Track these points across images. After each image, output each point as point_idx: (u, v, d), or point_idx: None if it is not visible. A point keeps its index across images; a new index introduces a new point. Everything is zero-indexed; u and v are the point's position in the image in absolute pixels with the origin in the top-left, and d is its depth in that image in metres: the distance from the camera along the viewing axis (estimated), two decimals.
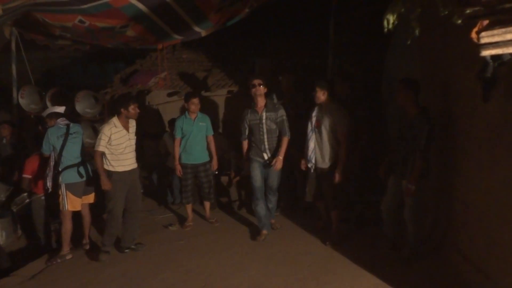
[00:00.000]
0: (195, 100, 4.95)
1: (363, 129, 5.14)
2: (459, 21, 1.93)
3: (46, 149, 4.45)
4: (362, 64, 6.30)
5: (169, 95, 7.14)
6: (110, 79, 8.52)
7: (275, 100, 4.99)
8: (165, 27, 5.18)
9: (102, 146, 4.16)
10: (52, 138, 4.40)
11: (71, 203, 4.40)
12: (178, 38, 5.86)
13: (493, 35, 1.43)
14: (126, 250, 4.46)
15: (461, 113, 3.58)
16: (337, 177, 4.20)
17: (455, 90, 3.69)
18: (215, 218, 5.32)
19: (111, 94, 7.36)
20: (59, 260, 4.38)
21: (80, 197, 4.46)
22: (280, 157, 4.36)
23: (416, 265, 3.77)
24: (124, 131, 4.27)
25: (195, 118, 5.01)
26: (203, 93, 7.00)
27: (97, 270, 4.13)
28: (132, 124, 4.39)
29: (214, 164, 5.21)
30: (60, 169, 4.39)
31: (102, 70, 11.07)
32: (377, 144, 5.78)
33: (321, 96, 4.23)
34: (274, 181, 4.51)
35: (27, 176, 4.92)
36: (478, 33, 1.49)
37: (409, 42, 2.63)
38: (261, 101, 4.43)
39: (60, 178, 4.39)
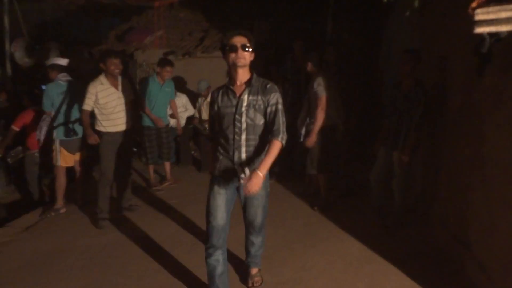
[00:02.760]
0: (169, 69, 5.09)
1: (359, 97, 5.16)
2: None
3: (47, 105, 4.40)
4: (361, 32, 6.23)
5: (165, 54, 7.05)
6: (104, 34, 8.37)
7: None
8: None
9: (87, 104, 4.05)
10: (52, 95, 4.36)
11: (64, 158, 4.44)
12: None
13: (487, 13, 1.43)
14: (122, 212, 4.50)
15: (455, 87, 3.60)
16: (307, 141, 4.25)
17: (451, 63, 3.69)
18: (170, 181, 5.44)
19: (105, 49, 7.25)
20: (53, 214, 4.48)
21: (73, 153, 4.49)
22: (260, 172, 2.47)
23: (399, 233, 3.90)
24: (112, 89, 4.13)
25: (163, 83, 5.13)
26: (200, 54, 6.93)
27: (90, 224, 4.24)
28: (124, 82, 4.28)
29: (179, 126, 5.53)
30: (54, 125, 4.38)
31: (97, 25, 10.82)
32: (372, 111, 5.83)
33: (308, 66, 4.34)
34: (256, 213, 2.79)
35: (14, 128, 4.90)
36: (474, 9, 1.49)
37: (408, 14, 2.60)
38: (242, 76, 2.60)
39: (55, 134, 4.40)
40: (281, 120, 2.59)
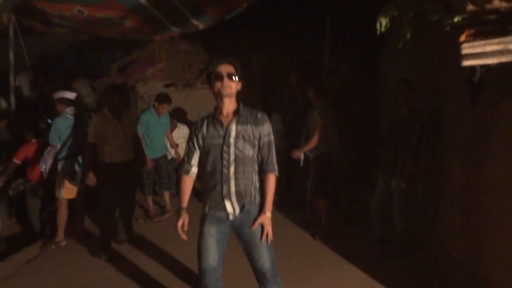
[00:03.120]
0: (166, 106, 5.24)
1: (357, 125, 5.23)
2: (447, 29, 2.00)
3: (53, 139, 4.46)
4: (358, 62, 6.37)
5: (166, 86, 7.19)
6: (106, 67, 8.55)
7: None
8: (163, 19, 5.22)
9: (92, 137, 4.11)
10: (60, 128, 4.44)
11: (67, 191, 4.47)
12: (176, 30, 5.89)
13: (474, 47, 1.50)
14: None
15: (450, 115, 3.67)
16: (294, 153, 4.41)
17: (445, 92, 3.78)
18: (171, 212, 5.38)
19: (108, 84, 7.40)
20: (53, 247, 4.46)
21: (77, 185, 4.52)
22: (268, 213, 2.44)
23: (402, 261, 3.88)
24: (116, 121, 4.19)
25: (160, 116, 5.28)
26: (200, 86, 7.06)
27: (90, 257, 4.20)
28: (127, 114, 4.38)
29: (179, 156, 5.58)
30: (59, 158, 4.44)
31: (99, 57, 11.03)
32: (368, 140, 5.89)
33: (309, 94, 4.44)
34: (261, 256, 2.48)
35: (16, 161, 4.93)
36: (461, 43, 1.56)
37: (400, 46, 2.70)
38: (228, 105, 2.45)
39: (59, 166, 4.45)
40: (273, 152, 2.51)
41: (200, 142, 2.51)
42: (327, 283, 3.56)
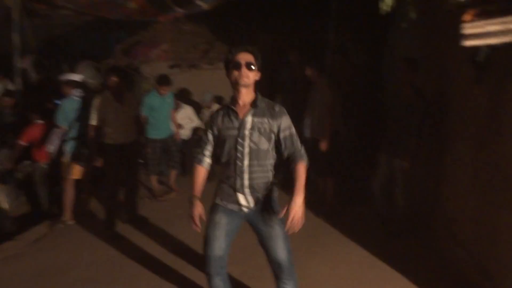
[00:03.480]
0: (166, 87, 5.21)
1: (361, 105, 5.23)
2: (452, 8, 1.99)
3: (61, 120, 4.54)
4: (364, 41, 6.30)
5: (171, 67, 7.19)
6: (111, 48, 8.52)
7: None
8: (166, 0, 5.17)
9: (93, 119, 4.20)
10: (67, 110, 4.51)
11: (75, 172, 4.56)
12: (180, 11, 5.83)
13: (475, 27, 1.50)
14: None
15: (454, 94, 3.65)
16: (322, 146, 4.36)
17: (450, 71, 3.75)
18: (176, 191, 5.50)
19: (110, 66, 7.40)
20: (61, 226, 4.56)
21: (83, 166, 4.59)
22: (297, 206, 2.26)
23: (403, 239, 3.94)
24: (117, 104, 4.22)
25: (164, 95, 5.28)
26: (205, 66, 7.05)
27: (98, 235, 4.30)
28: (129, 96, 4.41)
29: (177, 134, 5.60)
30: (66, 139, 4.53)
31: (104, 39, 10.98)
32: (374, 119, 5.87)
33: (309, 73, 4.38)
34: (276, 247, 2.44)
35: (22, 142, 4.98)
36: (463, 23, 1.55)
37: (405, 25, 2.68)
38: (245, 96, 2.37)
39: (67, 148, 4.53)
40: (299, 143, 2.42)
41: (216, 133, 2.44)
42: (329, 260, 3.63)
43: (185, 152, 6.22)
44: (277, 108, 2.40)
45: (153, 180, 5.44)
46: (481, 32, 1.49)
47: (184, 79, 6.96)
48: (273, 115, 2.37)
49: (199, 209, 2.45)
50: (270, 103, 2.42)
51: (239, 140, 2.34)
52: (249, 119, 2.34)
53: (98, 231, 4.38)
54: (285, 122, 2.39)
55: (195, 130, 6.34)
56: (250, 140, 2.34)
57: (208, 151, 2.51)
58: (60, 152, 4.62)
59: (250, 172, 2.36)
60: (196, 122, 6.29)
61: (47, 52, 7.89)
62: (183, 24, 8.16)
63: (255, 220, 2.45)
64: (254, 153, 2.35)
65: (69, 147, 4.55)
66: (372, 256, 3.63)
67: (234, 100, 2.40)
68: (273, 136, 2.38)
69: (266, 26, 7.37)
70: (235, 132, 2.35)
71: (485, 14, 1.61)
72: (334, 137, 4.44)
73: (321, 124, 4.41)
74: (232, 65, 2.33)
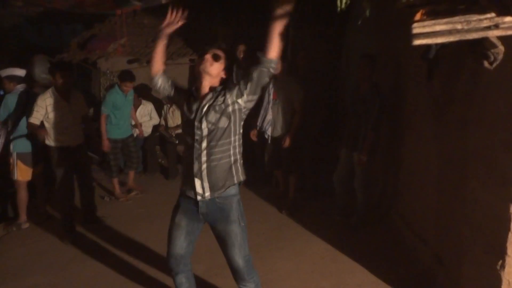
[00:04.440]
0: (129, 84, 5.07)
1: (322, 101, 5.30)
2: (401, 7, 2.04)
3: (2, 115, 4.27)
4: (323, 38, 6.40)
5: (129, 62, 7.00)
6: (66, 41, 8.21)
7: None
8: None
9: (35, 118, 3.91)
10: (11, 106, 4.24)
11: (21, 172, 4.33)
12: (137, 4, 5.70)
13: (423, 26, 1.55)
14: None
15: (409, 89, 3.79)
16: (287, 142, 4.37)
17: (404, 68, 3.88)
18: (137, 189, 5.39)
19: (68, 60, 7.12)
20: (14, 229, 4.37)
21: (30, 167, 4.37)
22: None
23: (364, 231, 4.06)
24: (63, 103, 3.99)
25: (127, 93, 5.14)
26: (165, 62, 6.91)
27: (54, 239, 4.15)
28: (76, 95, 4.19)
29: (141, 131, 5.67)
30: (11, 138, 4.28)
31: (58, 31, 10.56)
32: (334, 115, 5.99)
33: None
34: (232, 255, 2.43)
35: None
36: (413, 23, 1.61)
37: (360, 23, 2.73)
38: (206, 86, 2.34)
39: (11, 147, 4.29)
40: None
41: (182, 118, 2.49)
42: (292, 254, 3.68)
43: (146, 149, 6.11)
44: (232, 83, 2.37)
45: (115, 183, 5.24)
46: (429, 32, 1.54)
47: (143, 74, 6.77)
48: (229, 88, 2.31)
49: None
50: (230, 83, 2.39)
51: (196, 123, 2.29)
52: (206, 102, 2.31)
53: (54, 234, 4.23)
54: (235, 87, 2.31)
55: (156, 127, 6.23)
56: (207, 120, 2.27)
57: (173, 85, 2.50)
58: (6, 151, 4.36)
59: (209, 154, 2.29)
60: (156, 119, 6.18)
61: None
62: (142, 17, 7.97)
63: (213, 224, 2.43)
64: (213, 134, 2.28)
65: (14, 146, 4.30)
66: (334, 250, 3.72)
67: (196, 87, 2.38)
68: (230, 109, 2.28)
69: (226, 20, 7.32)
70: (193, 115, 2.33)
71: (434, 13, 1.66)
72: (298, 133, 4.49)
73: (285, 121, 4.43)
74: (199, 54, 2.38)
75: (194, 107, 2.34)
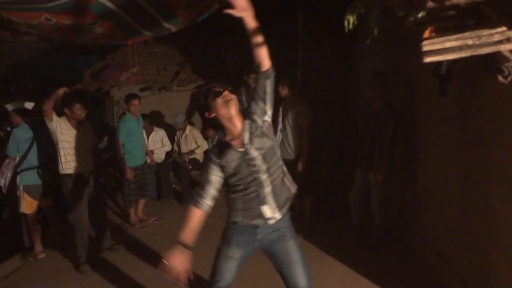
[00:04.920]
0: (136, 102, 5.06)
1: (337, 122, 5.29)
2: (410, 25, 2.04)
3: (12, 151, 4.33)
4: (332, 59, 6.43)
5: (141, 90, 7.12)
6: (80, 73, 8.41)
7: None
8: (134, 24, 5.13)
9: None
10: (20, 140, 4.30)
11: (27, 205, 4.34)
12: (148, 34, 5.81)
13: (433, 43, 1.54)
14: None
15: (422, 107, 3.75)
16: (300, 167, 4.34)
17: (416, 85, 3.86)
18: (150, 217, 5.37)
19: (82, 90, 7.29)
20: (31, 259, 4.38)
21: (36, 199, 4.39)
22: None
23: (382, 252, 3.95)
24: (74, 131, 4.09)
25: (137, 118, 5.14)
26: (176, 88, 7.02)
27: (71, 268, 4.14)
28: (86, 125, 4.26)
29: (151, 158, 5.55)
30: (18, 170, 4.32)
31: (72, 63, 10.81)
32: (350, 136, 5.95)
33: (282, 91, 4.39)
34: (302, 276, 2.34)
35: None
36: (422, 40, 1.60)
37: (368, 42, 2.74)
38: (239, 122, 2.23)
39: (18, 179, 4.32)
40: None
41: (220, 174, 2.24)
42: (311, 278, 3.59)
43: (160, 176, 6.13)
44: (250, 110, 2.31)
45: (131, 212, 5.19)
46: (439, 48, 1.53)
47: (155, 102, 6.91)
48: (253, 113, 2.24)
49: (185, 261, 2.16)
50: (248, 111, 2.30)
51: (248, 161, 2.19)
52: (245, 137, 2.20)
53: (71, 263, 4.22)
54: (257, 107, 2.26)
55: (169, 153, 6.26)
56: (256, 148, 2.19)
57: (211, 193, 2.24)
58: (12, 184, 4.38)
59: (270, 177, 2.23)
60: (168, 145, 6.21)
61: (12, 78, 7.72)
62: (153, 46, 8.15)
63: (269, 247, 2.32)
64: (266, 157, 2.21)
65: (21, 179, 4.32)
66: (353, 272, 3.62)
67: (229, 133, 2.22)
68: (264, 129, 2.25)
69: (235, 46, 7.43)
70: (239, 157, 2.20)
71: (442, 30, 1.65)
72: (311, 155, 4.46)
73: (296, 143, 4.41)
74: (212, 96, 2.19)
75: (241, 151, 2.20)
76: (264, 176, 2.22)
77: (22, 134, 4.33)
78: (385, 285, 3.35)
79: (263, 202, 2.23)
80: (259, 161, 2.20)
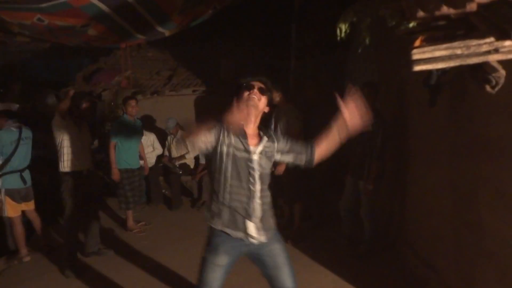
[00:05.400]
0: (133, 103, 5.03)
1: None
2: (401, 34, 2.07)
3: None
4: (325, 67, 6.47)
5: (134, 94, 7.08)
6: (73, 75, 8.35)
7: None
8: (127, 27, 5.14)
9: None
10: (5, 143, 4.22)
11: (12, 209, 4.27)
12: (141, 38, 5.82)
13: (423, 52, 1.56)
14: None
15: (412, 116, 3.78)
16: (278, 169, 4.24)
17: (406, 95, 3.89)
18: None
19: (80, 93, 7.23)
20: (16, 262, 4.30)
21: (19, 203, 4.32)
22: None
23: (371, 260, 3.96)
24: (77, 129, 4.15)
25: (134, 121, 5.11)
26: (168, 93, 7.01)
27: (56, 272, 4.07)
28: (84, 124, 4.30)
29: (146, 167, 5.43)
30: (0, 173, 4.23)
31: (65, 65, 10.74)
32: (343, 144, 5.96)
33: (275, 97, 4.41)
34: (288, 277, 2.35)
35: None
36: (412, 49, 1.62)
37: (360, 50, 2.77)
38: (254, 120, 2.29)
39: (0, 183, 4.24)
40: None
41: (220, 148, 2.21)
42: (300, 286, 3.57)
43: (149, 180, 6.09)
44: (273, 133, 2.44)
45: (129, 215, 5.12)
46: (429, 57, 1.55)
47: (147, 106, 6.88)
48: (277, 139, 2.34)
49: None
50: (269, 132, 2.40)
51: (249, 164, 2.21)
52: (258, 146, 2.25)
53: (57, 267, 4.15)
54: (282, 142, 2.36)
55: (159, 158, 6.23)
56: (260, 165, 2.23)
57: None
58: None
59: (261, 197, 2.25)
60: (159, 149, 6.18)
61: (2, 79, 7.65)
62: (146, 50, 8.13)
63: (258, 250, 2.30)
64: (263, 177, 2.25)
65: (3, 183, 4.24)
66: (341, 281, 3.62)
67: (237, 123, 2.16)
68: (273, 159, 2.32)
69: (228, 52, 7.45)
70: (245, 154, 2.21)
71: (433, 40, 1.68)
72: None
73: None
74: (244, 86, 2.26)
75: (242, 145, 2.21)
76: (257, 189, 2.22)
77: (7, 137, 4.25)
78: None
79: (250, 216, 2.22)
80: (257, 173, 2.21)
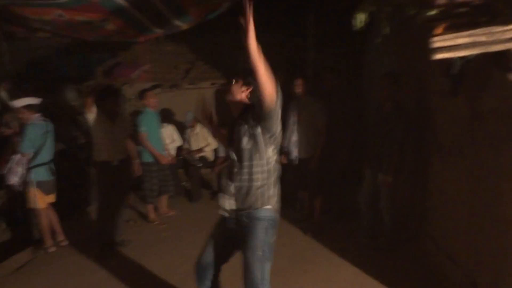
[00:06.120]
0: (152, 94, 5.19)
1: (350, 122, 5.25)
2: (422, 22, 2.02)
3: (27, 147, 4.27)
4: (345, 57, 6.39)
5: (153, 87, 7.15)
6: (92, 70, 8.47)
7: None
8: (145, 21, 5.14)
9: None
10: (34, 136, 4.30)
11: (42, 200, 4.39)
12: (159, 32, 5.83)
13: (444, 40, 1.52)
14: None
15: (434, 107, 3.70)
16: (312, 163, 4.34)
17: (427, 85, 3.80)
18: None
19: (94, 87, 7.34)
20: (42, 253, 4.43)
21: (48, 195, 4.44)
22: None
23: (392, 253, 3.92)
24: (109, 122, 4.34)
25: (156, 111, 5.24)
26: (186, 86, 7.05)
27: (81, 262, 4.18)
28: (120, 117, 4.52)
29: (166, 158, 5.45)
30: (31, 166, 4.33)
31: (86, 60, 10.90)
32: (362, 137, 5.89)
33: (297, 88, 4.38)
34: (248, 266, 2.34)
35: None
36: (433, 37, 1.57)
37: (379, 40, 2.71)
38: (235, 110, 2.48)
39: (31, 175, 4.34)
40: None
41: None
42: (318, 279, 3.57)
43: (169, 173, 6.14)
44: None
45: (151, 208, 5.24)
46: (451, 45, 1.50)
47: (166, 99, 6.93)
48: (254, 114, 2.30)
49: None
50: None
51: (239, 135, 2.35)
52: (237, 124, 2.39)
53: (81, 256, 4.27)
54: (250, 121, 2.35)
55: (179, 150, 6.28)
56: (243, 139, 2.32)
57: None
58: (24, 181, 4.38)
59: (239, 174, 2.35)
60: (178, 141, 6.23)
61: (27, 76, 7.82)
62: (164, 44, 8.17)
63: (240, 243, 2.40)
64: (245, 152, 2.32)
65: (34, 175, 4.35)
66: (362, 273, 3.59)
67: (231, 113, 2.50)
68: (257, 131, 2.28)
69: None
70: (227, 140, 2.50)
71: (454, 27, 1.63)
72: (323, 155, 4.44)
73: (310, 143, 4.40)
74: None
75: (229, 131, 2.50)
76: (234, 169, 2.37)
77: (36, 130, 4.34)
78: (394, 286, 3.32)
79: (226, 191, 2.41)
80: (233, 154, 2.40)
